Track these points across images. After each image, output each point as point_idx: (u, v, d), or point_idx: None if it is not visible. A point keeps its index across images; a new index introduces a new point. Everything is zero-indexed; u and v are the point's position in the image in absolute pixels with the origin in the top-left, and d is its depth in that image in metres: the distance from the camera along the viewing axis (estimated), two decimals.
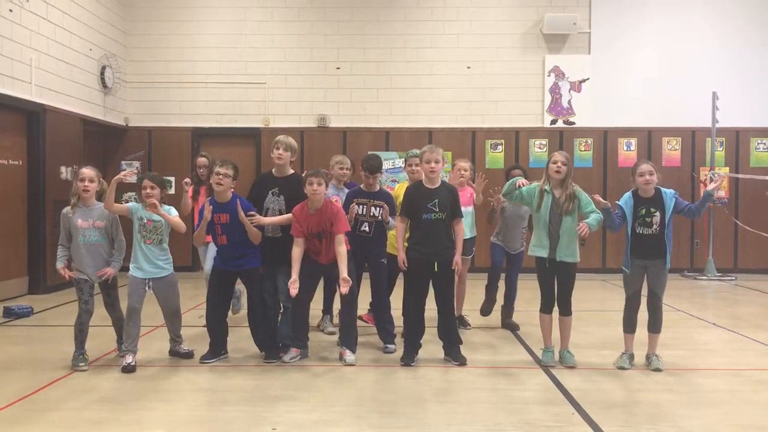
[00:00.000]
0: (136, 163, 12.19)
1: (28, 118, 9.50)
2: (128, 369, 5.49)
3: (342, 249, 5.71)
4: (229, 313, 6.30)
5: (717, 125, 11.76)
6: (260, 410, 4.63)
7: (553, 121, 12.45)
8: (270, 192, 6.03)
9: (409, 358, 5.78)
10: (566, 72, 12.39)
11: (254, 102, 12.33)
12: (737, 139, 12.40)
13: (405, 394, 5.02)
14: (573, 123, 12.45)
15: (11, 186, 9.14)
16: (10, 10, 8.89)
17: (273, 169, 6.13)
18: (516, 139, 12.40)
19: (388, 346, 6.27)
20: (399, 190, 6.60)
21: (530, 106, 12.44)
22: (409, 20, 12.43)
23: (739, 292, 10.41)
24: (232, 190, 5.81)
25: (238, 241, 5.74)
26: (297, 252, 5.71)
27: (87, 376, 5.45)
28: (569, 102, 12.43)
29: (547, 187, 5.72)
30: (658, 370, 5.57)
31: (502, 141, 12.39)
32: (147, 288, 5.69)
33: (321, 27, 12.40)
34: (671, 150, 12.40)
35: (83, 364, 5.60)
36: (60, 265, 5.66)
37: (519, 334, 6.99)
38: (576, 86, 12.41)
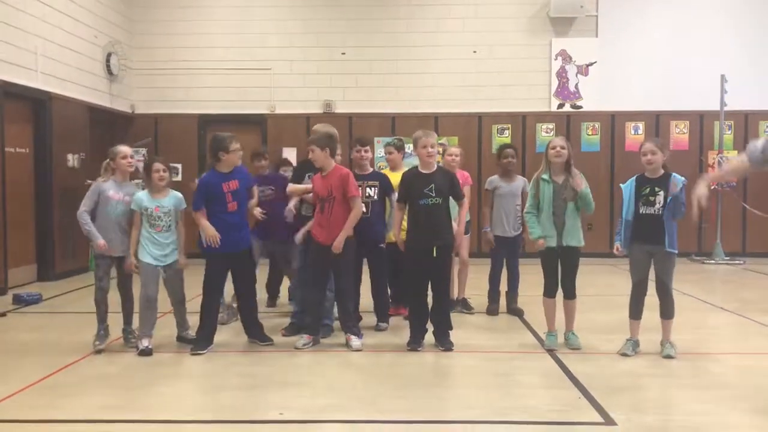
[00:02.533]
0: (143, 150, 12.21)
1: (34, 106, 9.52)
2: (146, 352, 5.58)
3: (355, 212, 5.77)
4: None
5: (725, 108, 11.67)
6: (268, 396, 4.67)
7: (560, 105, 12.38)
8: (306, 175, 6.27)
9: (415, 343, 5.80)
10: (573, 56, 12.30)
11: (260, 88, 12.29)
12: (746, 123, 12.30)
13: (412, 379, 5.04)
14: (580, 107, 12.38)
15: (19, 174, 9.16)
16: None
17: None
18: (523, 123, 12.34)
19: (381, 324, 6.51)
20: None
21: (537, 90, 12.36)
22: (415, 4, 12.34)
23: (747, 276, 10.37)
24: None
25: (245, 213, 5.88)
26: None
27: (96, 362, 5.49)
28: (576, 86, 12.35)
29: (545, 176, 5.70)
30: (669, 357, 5.49)
31: (509, 126, 12.34)
32: (161, 276, 5.77)
33: (326, 12, 12.34)
34: (679, 134, 12.32)
35: (99, 342, 5.71)
36: (101, 241, 5.65)
37: (525, 319, 6.99)
38: (583, 70, 12.32)
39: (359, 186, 6.24)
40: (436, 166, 5.86)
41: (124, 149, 5.90)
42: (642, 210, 5.48)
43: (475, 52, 12.25)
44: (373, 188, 6.36)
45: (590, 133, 12.37)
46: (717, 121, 11.93)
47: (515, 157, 7.19)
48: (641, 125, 12.35)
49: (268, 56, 12.28)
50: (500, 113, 12.32)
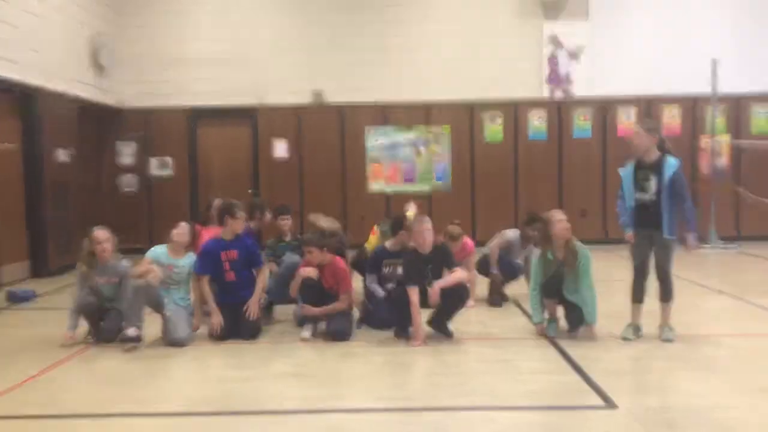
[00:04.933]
0: (134, 145, 12.14)
1: (22, 101, 9.38)
2: (131, 339, 5.54)
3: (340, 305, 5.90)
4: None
5: (717, 92, 11.65)
6: (269, 387, 4.65)
7: (552, 91, 12.33)
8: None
9: (404, 331, 5.79)
10: (564, 41, 12.21)
11: (250, 80, 12.16)
12: (738, 106, 12.30)
13: (412, 368, 5.04)
14: (572, 93, 12.33)
15: (8, 169, 9.06)
16: None
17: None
18: (515, 111, 12.28)
19: None
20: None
21: (528, 77, 12.26)
22: None
23: (743, 260, 10.41)
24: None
25: (246, 277, 5.89)
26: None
27: (92, 356, 5.46)
28: (567, 72, 12.29)
29: (549, 255, 5.70)
30: (668, 340, 5.49)
31: (501, 114, 12.28)
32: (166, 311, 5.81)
33: (314, 1, 12.23)
34: (671, 119, 12.30)
35: (89, 336, 5.82)
36: (67, 333, 5.69)
37: (524, 307, 6.96)
38: (574, 55, 12.27)
39: (392, 264, 6.28)
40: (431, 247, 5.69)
41: (98, 234, 5.73)
42: (637, 196, 5.46)
43: (465, 38, 12.12)
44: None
45: (582, 119, 12.34)
46: (709, 105, 11.93)
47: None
48: (633, 111, 12.33)
49: (257, 47, 12.15)
50: (491, 101, 12.21)
